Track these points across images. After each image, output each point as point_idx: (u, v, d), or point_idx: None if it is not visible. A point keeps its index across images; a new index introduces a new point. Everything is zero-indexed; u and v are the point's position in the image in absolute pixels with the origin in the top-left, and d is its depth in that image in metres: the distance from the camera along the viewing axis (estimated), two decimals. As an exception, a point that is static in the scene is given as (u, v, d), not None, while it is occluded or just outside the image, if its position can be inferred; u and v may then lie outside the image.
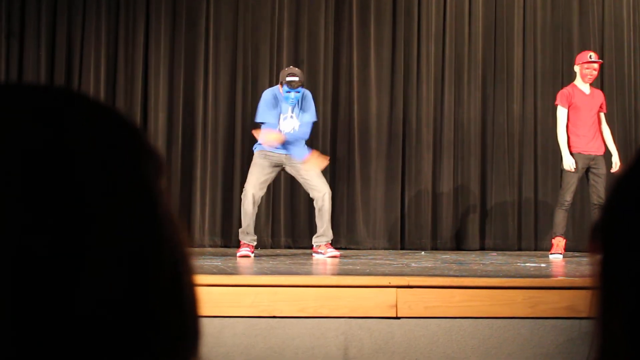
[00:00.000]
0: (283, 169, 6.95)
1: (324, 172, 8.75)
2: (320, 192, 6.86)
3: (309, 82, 8.69)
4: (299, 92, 6.77)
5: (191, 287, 0.62)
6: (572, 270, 6.05)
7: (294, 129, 6.85)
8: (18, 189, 0.56)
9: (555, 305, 4.37)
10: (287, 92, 6.75)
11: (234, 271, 5.35)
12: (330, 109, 8.77)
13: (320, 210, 6.90)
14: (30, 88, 0.61)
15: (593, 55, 7.43)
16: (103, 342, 0.57)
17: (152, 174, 0.61)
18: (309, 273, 5.34)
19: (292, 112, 6.86)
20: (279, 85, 6.91)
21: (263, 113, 6.87)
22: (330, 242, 6.99)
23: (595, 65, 7.40)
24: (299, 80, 6.76)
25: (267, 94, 6.95)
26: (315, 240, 7.02)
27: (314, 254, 6.97)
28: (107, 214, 0.57)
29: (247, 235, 6.84)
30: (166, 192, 0.62)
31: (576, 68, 7.49)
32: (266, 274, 5.13)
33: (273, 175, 6.93)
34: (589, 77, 7.37)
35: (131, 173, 0.59)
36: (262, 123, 6.87)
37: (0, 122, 0.57)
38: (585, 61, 7.38)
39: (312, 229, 8.61)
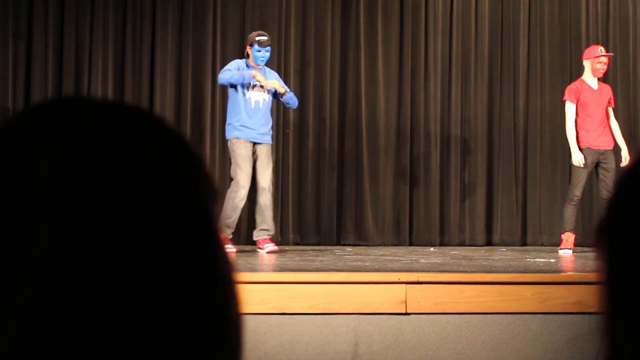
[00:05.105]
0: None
1: (333, 167, 8.79)
2: (267, 184, 6.85)
3: (317, 80, 8.69)
4: (268, 51, 6.91)
5: (237, 306, 0.65)
6: (581, 266, 6.03)
7: (278, 93, 6.96)
8: (85, 192, 0.59)
9: (565, 301, 4.37)
10: (257, 51, 6.89)
11: (242, 268, 5.35)
12: (337, 105, 8.77)
13: (265, 204, 6.86)
14: (103, 104, 0.65)
15: (603, 49, 7.41)
16: (151, 345, 0.59)
17: (208, 198, 0.65)
18: (318, 269, 5.35)
19: (260, 86, 6.92)
20: (247, 54, 7.02)
21: (229, 65, 6.95)
22: (270, 237, 6.95)
23: (605, 59, 7.38)
24: (268, 40, 6.92)
25: (236, 61, 7.07)
26: (257, 235, 6.95)
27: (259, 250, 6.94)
28: (166, 224, 0.61)
29: (228, 228, 6.82)
30: (218, 218, 0.66)
31: (586, 63, 7.45)
32: (275, 270, 5.14)
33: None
34: (600, 71, 7.35)
35: (190, 192, 0.64)
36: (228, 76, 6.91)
37: (75, 133, 0.61)
38: (596, 55, 7.35)
39: (320, 226, 8.64)
